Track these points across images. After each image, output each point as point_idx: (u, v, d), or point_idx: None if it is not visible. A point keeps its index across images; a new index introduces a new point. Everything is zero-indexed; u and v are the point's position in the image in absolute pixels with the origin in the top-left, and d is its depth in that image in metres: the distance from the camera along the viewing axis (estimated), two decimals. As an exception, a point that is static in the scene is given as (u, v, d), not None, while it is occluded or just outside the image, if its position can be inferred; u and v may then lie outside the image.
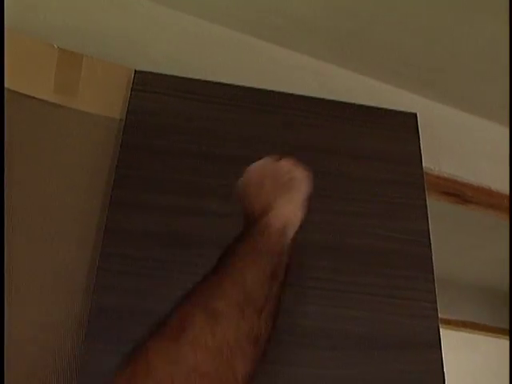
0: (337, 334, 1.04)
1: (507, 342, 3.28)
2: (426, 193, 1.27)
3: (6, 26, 1.06)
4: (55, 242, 1.07)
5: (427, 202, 1.27)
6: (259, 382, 0.97)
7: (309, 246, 1.11)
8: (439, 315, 1.08)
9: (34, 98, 1.15)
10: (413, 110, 1.38)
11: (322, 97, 1.33)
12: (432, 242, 1.18)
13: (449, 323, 3.04)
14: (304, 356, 1.01)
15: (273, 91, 1.30)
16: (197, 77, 1.30)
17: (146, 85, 1.24)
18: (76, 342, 0.99)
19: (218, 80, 1.30)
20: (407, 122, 1.32)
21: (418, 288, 1.11)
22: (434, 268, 1.15)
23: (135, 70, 1.26)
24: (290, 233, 0.74)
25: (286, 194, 0.79)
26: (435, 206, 1.83)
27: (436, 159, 1.61)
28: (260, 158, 0.84)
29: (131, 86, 1.23)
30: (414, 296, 1.10)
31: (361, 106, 1.32)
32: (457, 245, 2.76)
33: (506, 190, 1.72)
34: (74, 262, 1.06)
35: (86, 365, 0.93)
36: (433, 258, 1.16)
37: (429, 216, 1.24)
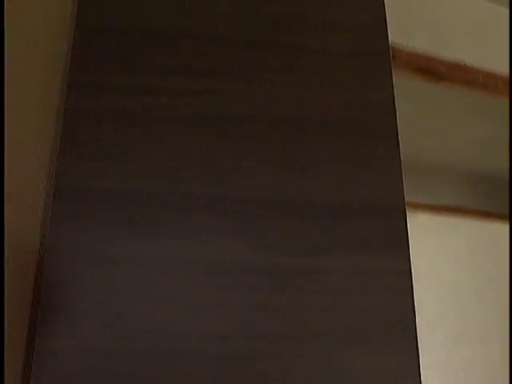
0: (298, 205, 1.06)
1: (490, 225, 3.36)
2: (393, 66, 1.25)
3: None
4: (14, 131, 1.06)
5: (394, 77, 1.25)
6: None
7: (270, 122, 1.10)
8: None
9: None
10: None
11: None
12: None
13: (431, 208, 3.09)
14: (265, 227, 1.03)
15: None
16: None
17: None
18: (44, 224, 1.01)
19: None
20: (372, -8, 1.27)
21: (381, 155, 1.11)
22: (401, 141, 1.15)
23: None
24: None
25: None
26: (408, 84, 1.81)
27: (408, 34, 1.57)
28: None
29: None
30: (377, 165, 1.11)
31: (324, -23, 1.27)
32: (436, 127, 2.76)
33: (481, 65, 1.70)
34: (35, 150, 1.06)
35: (54, 246, 0.95)
36: (398, 127, 1.15)
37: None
